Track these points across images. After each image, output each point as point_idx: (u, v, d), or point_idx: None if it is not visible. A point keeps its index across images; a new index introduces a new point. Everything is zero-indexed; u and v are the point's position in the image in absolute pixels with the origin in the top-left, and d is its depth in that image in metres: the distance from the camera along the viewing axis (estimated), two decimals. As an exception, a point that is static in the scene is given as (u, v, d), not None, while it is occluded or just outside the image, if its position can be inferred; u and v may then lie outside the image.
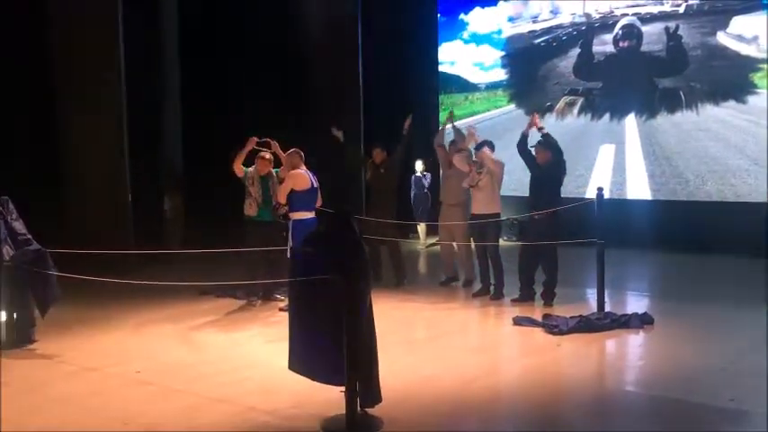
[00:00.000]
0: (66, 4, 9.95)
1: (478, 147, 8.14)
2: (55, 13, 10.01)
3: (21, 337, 6.38)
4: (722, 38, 11.03)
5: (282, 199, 7.49)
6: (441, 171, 9.29)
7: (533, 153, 7.74)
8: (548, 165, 7.69)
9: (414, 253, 11.77)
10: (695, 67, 11.29)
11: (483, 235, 8.16)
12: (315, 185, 7.49)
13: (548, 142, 7.72)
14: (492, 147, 8.22)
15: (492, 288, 8.16)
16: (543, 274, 7.73)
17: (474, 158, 8.24)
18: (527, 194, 8.00)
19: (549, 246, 7.55)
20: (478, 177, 8.07)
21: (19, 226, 6.59)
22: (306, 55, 12.57)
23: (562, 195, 7.86)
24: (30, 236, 6.61)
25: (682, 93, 11.41)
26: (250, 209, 7.92)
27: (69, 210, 9.94)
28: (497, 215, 8.09)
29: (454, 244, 8.87)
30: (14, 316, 6.39)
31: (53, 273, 6.49)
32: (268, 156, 7.95)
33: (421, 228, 12.27)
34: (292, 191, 7.38)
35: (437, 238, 9.77)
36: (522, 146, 7.79)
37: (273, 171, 8.03)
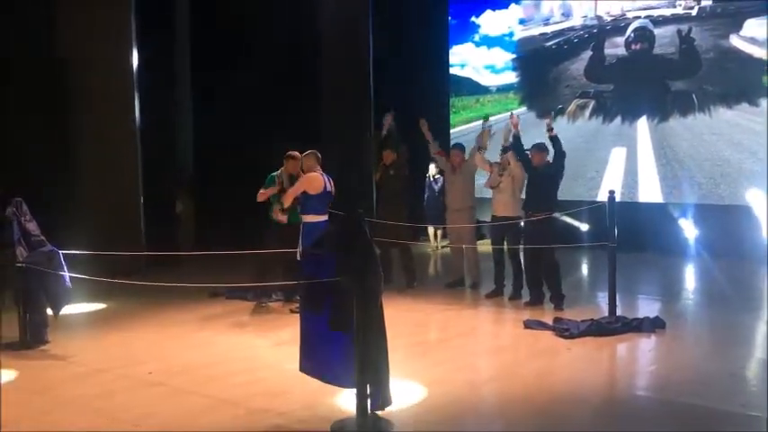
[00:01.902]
0: (79, 9, 10.00)
1: (505, 150, 8.11)
2: (68, 18, 10.08)
3: (34, 337, 6.43)
4: (735, 40, 10.97)
5: (288, 202, 7.40)
6: (444, 176, 9.29)
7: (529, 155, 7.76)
8: (543, 166, 7.70)
9: (424, 255, 11.77)
10: (708, 70, 11.23)
11: (502, 237, 8.17)
12: (329, 189, 7.38)
13: (542, 144, 7.74)
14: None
15: (504, 289, 8.17)
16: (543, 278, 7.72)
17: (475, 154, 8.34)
18: None
19: (546, 249, 7.53)
20: (499, 179, 8.10)
21: (32, 227, 6.64)
22: (317, 58, 12.60)
23: (574, 198, 7.84)
24: (43, 237, 6.65)
25: (694, 95, 11.35)
26: (277, 214, 7.76)
27: (82, 211, 9.99)
28: (518, 218, 8.09)
29: (464, 247, 8.89)
30: (28, 316, 6.44)
31: (66, 274, 6.55)
32: (297, 155, 7.75)
33: (431, 230, 12.26)
34: (305, 193, 7.33)
35: (449, 241, 9.80)
36: (517, 148, 7.81)
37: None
